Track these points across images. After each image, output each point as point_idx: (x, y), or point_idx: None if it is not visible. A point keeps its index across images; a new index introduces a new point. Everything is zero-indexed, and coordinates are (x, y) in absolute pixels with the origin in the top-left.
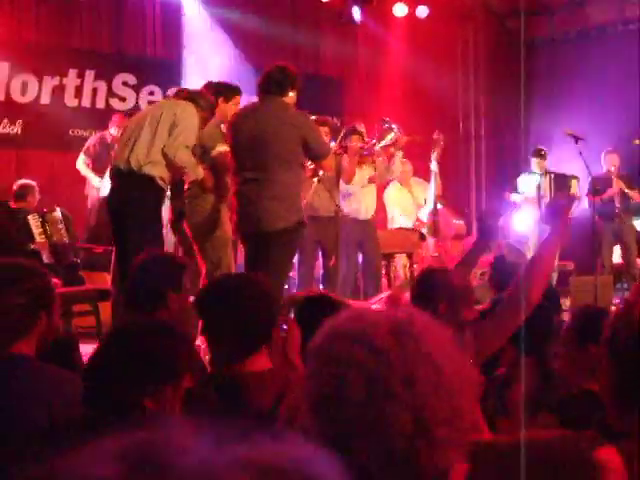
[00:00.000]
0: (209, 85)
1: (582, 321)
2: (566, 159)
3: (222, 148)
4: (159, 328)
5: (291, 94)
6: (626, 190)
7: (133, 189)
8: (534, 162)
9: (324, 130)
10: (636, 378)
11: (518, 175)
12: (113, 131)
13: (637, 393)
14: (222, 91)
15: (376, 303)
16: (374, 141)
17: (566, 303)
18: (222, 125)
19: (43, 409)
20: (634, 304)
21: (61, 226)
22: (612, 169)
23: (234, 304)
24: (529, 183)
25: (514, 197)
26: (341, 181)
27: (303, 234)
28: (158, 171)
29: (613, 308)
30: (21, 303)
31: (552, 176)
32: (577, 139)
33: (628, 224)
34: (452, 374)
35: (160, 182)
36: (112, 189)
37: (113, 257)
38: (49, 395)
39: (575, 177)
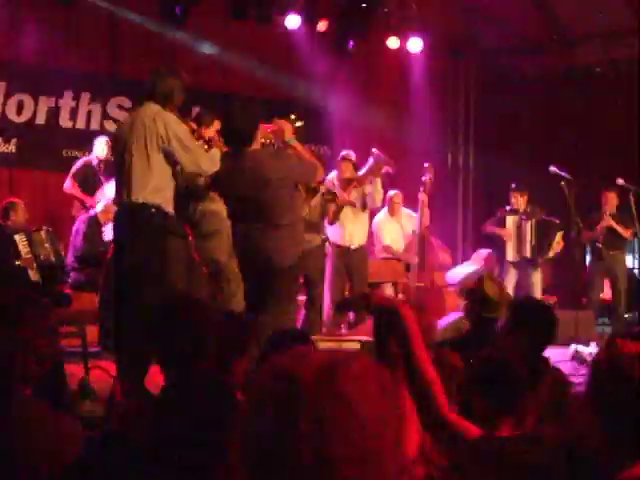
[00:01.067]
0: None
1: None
2: (551, 197)
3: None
4: None
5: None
6: (616, 227)
7: (138, 223)
8: (513, 198)
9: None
10: (627, 427)
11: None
12: (98, 154)
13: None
14: (202, 119)
15: None
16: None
17: None
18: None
19: (47, 454)
20: (609, 354)
21: (47, 245)
22: (606, 207)
23: (163, 325)
24: (510, 222)
25: (491, 231)
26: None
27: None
28: (161, 199)
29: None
30: (46, 344)
31: (535, 221)
32: (562, 177)
33: (617, 258)
34: (374, 419)
35: (166, 209)
36: (119, 227)
37: (101, 278)
38: (53, 438)
39: (561, 229)
